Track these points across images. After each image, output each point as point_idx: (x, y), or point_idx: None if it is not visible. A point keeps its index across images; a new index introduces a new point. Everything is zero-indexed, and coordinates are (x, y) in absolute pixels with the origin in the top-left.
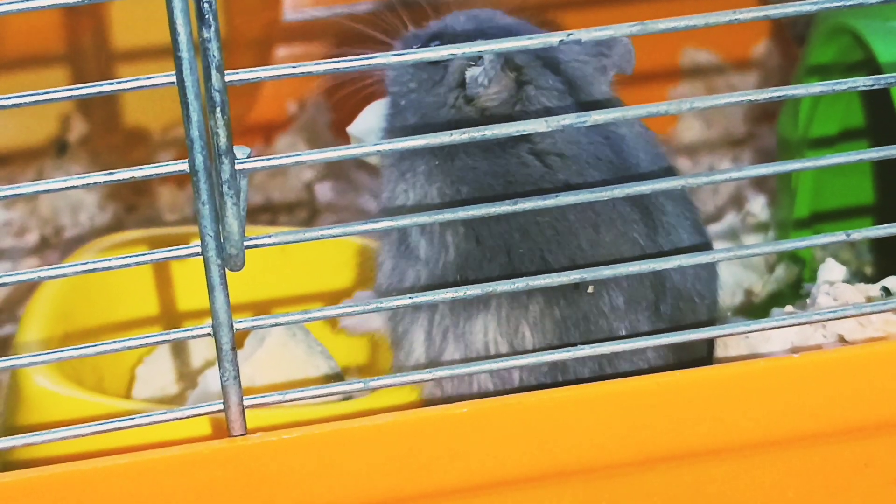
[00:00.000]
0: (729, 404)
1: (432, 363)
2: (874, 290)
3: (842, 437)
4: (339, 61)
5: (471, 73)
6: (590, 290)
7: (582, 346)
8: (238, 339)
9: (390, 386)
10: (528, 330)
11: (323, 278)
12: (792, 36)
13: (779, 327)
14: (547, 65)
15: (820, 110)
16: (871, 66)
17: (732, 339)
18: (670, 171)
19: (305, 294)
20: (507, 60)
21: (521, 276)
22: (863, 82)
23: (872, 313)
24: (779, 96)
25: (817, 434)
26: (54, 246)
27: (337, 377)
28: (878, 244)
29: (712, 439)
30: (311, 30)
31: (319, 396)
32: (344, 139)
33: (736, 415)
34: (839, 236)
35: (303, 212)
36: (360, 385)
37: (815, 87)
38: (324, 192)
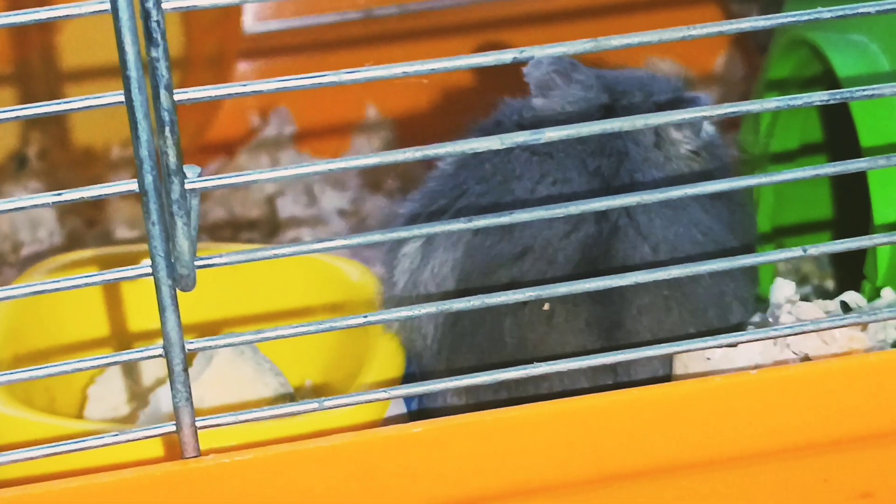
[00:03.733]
0: (687, 421)
1: None
2: (834, 304)
3: (801, 453)
4: (289, 79)
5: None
6: (545, 307)
7: (539, 364)
8: (188, 359)
9: (345, 406)
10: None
11: (283, 295)
12: (755, 47)
13: (730, 345)
14: None
15: (779, 125)
16: (829, 79)
17: (693, 359)
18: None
19: (264, 312)
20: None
21: None
22: (818, 97)
23: (830, 328)
24: (732, 112)
25: (776, 450)
26: (12, 263)
27: (288, 395)
28: (839, 258)
29: (670, 456)
30: (276, 43)
31: (273, 417)
32: (306, 152)
33: (694, 432)
34: (796, 251)
35: (265, 227)
36: (315, 405)
37: (771, 103)
38: (286, 206)
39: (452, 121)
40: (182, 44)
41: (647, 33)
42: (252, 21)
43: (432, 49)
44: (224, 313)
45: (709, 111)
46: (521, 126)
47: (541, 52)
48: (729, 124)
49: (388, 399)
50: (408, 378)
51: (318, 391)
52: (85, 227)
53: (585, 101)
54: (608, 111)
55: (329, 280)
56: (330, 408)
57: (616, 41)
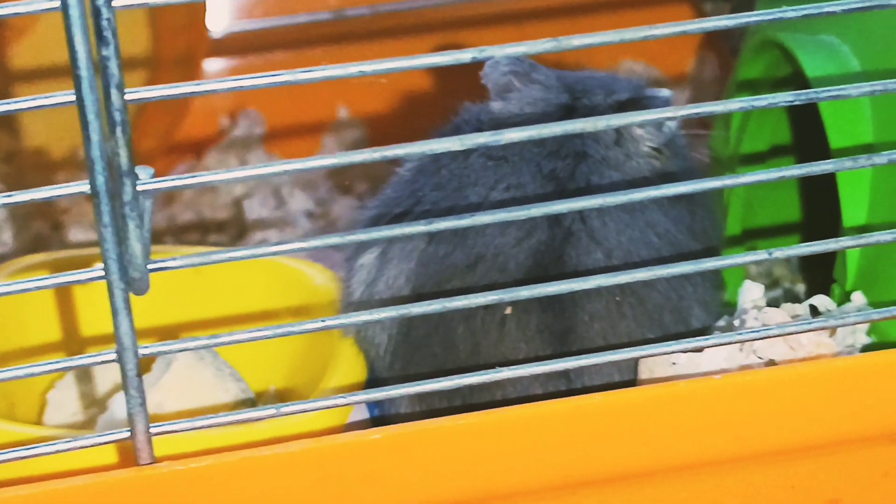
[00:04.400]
0: (651, 427)
1: None
2: (803, 308)
3: (768, 458)
4: (243, 79)
5: None
6: (508, 311)
7: (500, 369)
8: (146, 364)
9: (301, 412)
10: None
11: (245, 298)
12: (729, 48)
13: (694, 349)
14: None
15: (750, 126)
16: (800, 80)
17: (658, 364)
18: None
19: (225, 315)
20: None
21: None
22: (783, 98)
23: (795, 333)
24: (695, 113)
25: (742, 456)
26: None
27: (249, 401)
28: (811, 261)
29: (633, 463)
30: (250, 43)
31: (228, 423)
32: (275, 154)
33: (658, 437)
34: (761, 254)
35: (233, 229)
36: (273, 411)
37: (734, 104)
38: (253, 208)
39: (426, 122)
40: (150, 44)
41: (608, 33)
42: (228, 21)
43: (405, 49)
44: (186, 317)
45: (671, 112)
46: (480, 130)
47: (500, 51)
48: (701, 126)
49: (345, 405)
50: (371, 383)
51: (282, 396)
52: (51, 231)
53: (545, 101)
54: (568, 111)
55: (291, 283)
56: (286, 414)
57: (577, 41)
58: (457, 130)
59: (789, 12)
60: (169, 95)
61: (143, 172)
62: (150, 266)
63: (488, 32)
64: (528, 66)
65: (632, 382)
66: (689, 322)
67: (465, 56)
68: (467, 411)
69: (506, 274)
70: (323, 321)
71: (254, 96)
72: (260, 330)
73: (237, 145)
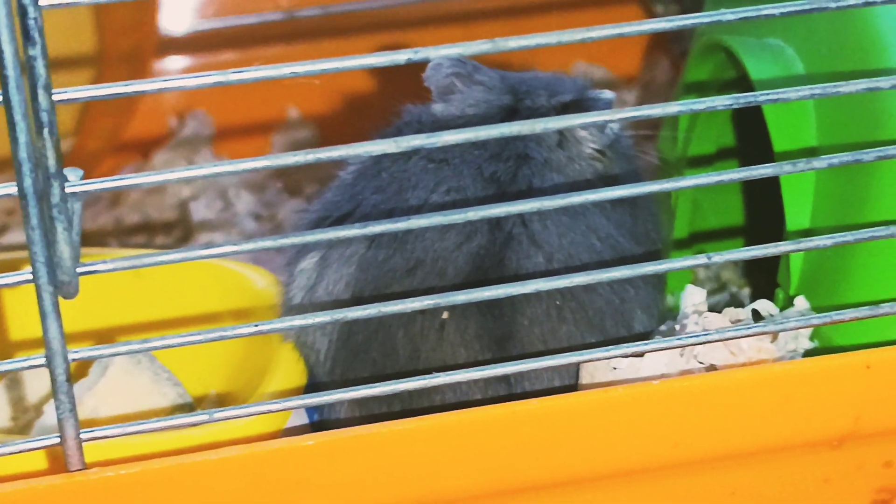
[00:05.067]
0: (589, 432)
1: None
2: (745, 313)
3: (708, 465)
4: (175, 79)
5: None
6: (445, 315)
7: (437, 375)
8: (83, 369)
9: (235, 417)
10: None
11: (184, 302)
12: (679, 51)
13: (633, 354)
14: None
15: (697, 130)
16: (747, 82)
17: (599, 368)
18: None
19: (164, 319)
20: None
21: None
22: (721, 101)
23: (735, 338)
24: (635, 116)
25: (682, 462)
26: None
27: (187, 406)
28: (757, 265)
29: (573, 468)
30: (210, 40)
31: (160, 429)
32: (223, 155)
33: (597, 443)
34: (700, 259)
35: (179, 231)
36: (205, 417)
37: (673, 107)
38: (199, 210)
39: (377, 123)
40: (95, 43)
41: (546, 35)
42: (191, 19)
43: (356, 49)
44: (125, 320)
45: (610, 115)
46: (421, 132)
47: (436, 52)
48: (650, 127)
49: (279, 410)
50: (311, 388)
51: (222, 400)
52: None
53: (487, 103)
54: (511, 113)
55: (233, 287)
56: (220, 420)
57: (513, 42)
58: (398, 132)
59: (728, 14)
60: (98, 96)
61: (72, 174)
62: (79, 269)
63: (438, 32)
64: (470, 68)
65: (573, 387)
66: (632, 326)
67: (400, 57)
68: (407, 416)
69: (445, 278)
70: (257, 325)
71: (204, 96)
72: (194, 334)
73: (184, 146)
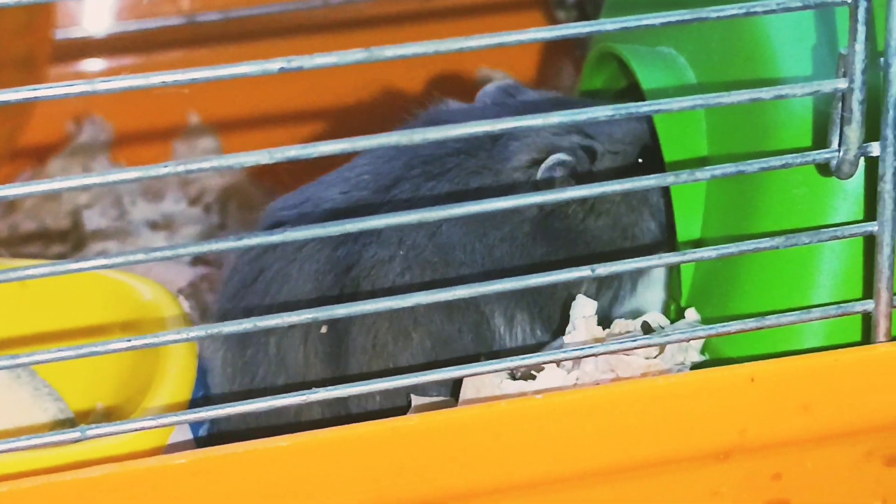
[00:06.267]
0: (470, 448)
1: None
2: (635, 325)
3: (592, 479)
4: (49, 88)
5: None
6: (323, 329)
7: (317, 390)
8: None
9: (109, 434)
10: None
11: (69, 314)
12: (581, 56)
13: (518, 367)
14: None
15: None
16: (641, 91)
17: (486, 382)
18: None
19: (48, 331)
20: None
21: None
22: (602, 111)
23: (623, 350)
24: (515, 126)
25: (566, 477)
26: None
27: (68, 421)
28: None
29: (453, 485)
30: (129, 43)
31: (27, 447)
32: (121, 162)
33: (478, 459)
34: (584, 271)
35: (72, 240)
36: (78, 434)
37: (554, 118)
38: (92, 218)
39: (279, 128)
40: None
41: (423, 44)
42: (109, 21)
43: (258, 54)
44: (5, 333)
45: (488, 125)
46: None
47: (309, 61)
48: None
49: (155, 427)
50: (197, 402)
51: (109, 414)
52: None
53: None
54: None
55: (119, 298)
56: (93, 437)
57: (389, 51)
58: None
59: (608, 24)
60: None
61: None
62: None
63: (340, 38)
64: (513, 89)
65: (404, 409)
66: (495, 340)
67: (272, 66)
68: (286, 431)
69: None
70: (129, 340)
71: (102, 101)
72: (61, 350)
73: (81, 153)
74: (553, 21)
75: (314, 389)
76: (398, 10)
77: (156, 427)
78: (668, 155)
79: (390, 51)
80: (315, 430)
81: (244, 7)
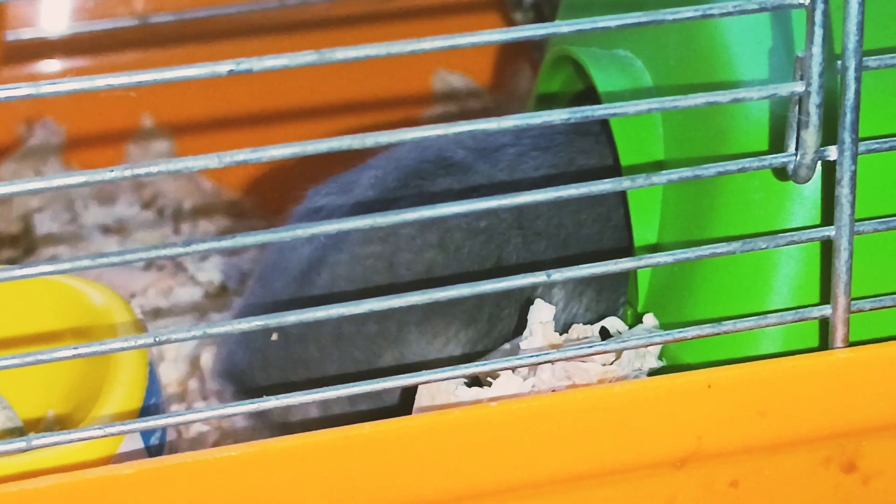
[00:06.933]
0: (424, 457)
1: None
2: (593, 330)
3: (548, 488)
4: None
5: None
6: (273, 337)
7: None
8: None
9: (55, 444)
10: None
11: (18, 320)
12: (539, 59)
13: (473, 375)
14: None
15: None
16: (597, 95)
17: (442, 389)
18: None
19: (1, 337)
20: None
21: None
22: (557, 115)
23: (579, 357)
24: (472, 129)
25: (522, 485)
26: None
27: (17, 430)
28: None
29: (405, 494)
30: (87, 44)
31: None
32: (73, 165)
33: (431, 467)
34: (540, 276)
35: (23, 244)
36: (24, 444)
37: (508, 121)
38: (43, 222)
39: (233, 131)
40: None
41: (374, 46)
42: (66, 21)
43: (212, 57)
44: None
45: (443, 128)
46: None
47: (258, 63)
48: None
49: (102, 437)
50: (147, 410)
51: (61, 422)
52: None
53: None
54: None
55: (70, 304)
56: (39, 447)
57: (340, 54)
58: None
59: (563, 27)
60: None
61: None
62: None
63: (295, 39)
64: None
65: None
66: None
67: (221, 69)
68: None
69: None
70: (75, 349)
71: (54, 104)
72: (9, 358)
73: (32, 156)
74: (511, 23)
75: (257, 399)
76: (354, 11)
77: (103, 436)
78: (625, 159)
79: (341, 53)
80: (260, 441)
81: (200, 8)
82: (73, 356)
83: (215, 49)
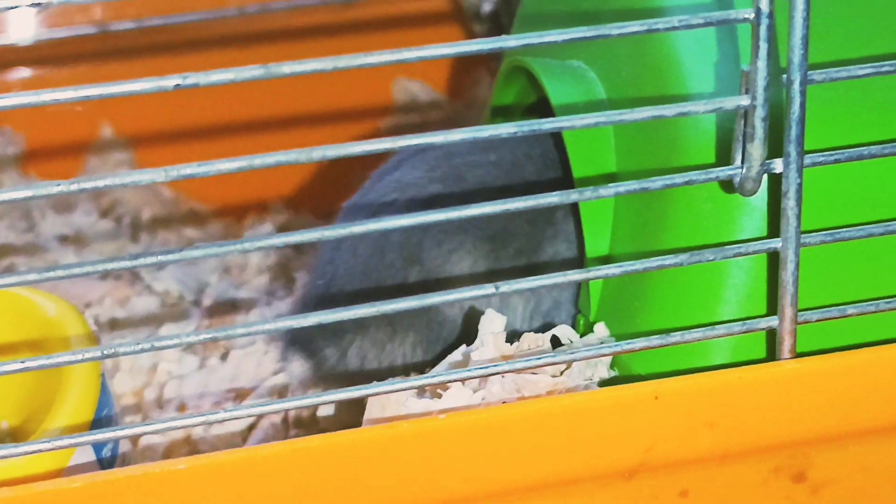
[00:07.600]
0: (372, 469)
1: None
2: (545, 340)
3: (498, 499)
4: None
5: None
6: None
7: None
8: None
9: (7, 457)
10: None
11: None
12: (497, 68)
13: (421, 387)
14: None
15: None
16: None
17: (392, 401)
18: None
19: None
20: None
21: None
22: (505, 128)
23: (526, 369)
24: (415, 145)
25: (472, 498)
26: None
27: None
28: None
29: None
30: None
31: None
32: (32, 175)
33: (380, 480)
34: (488, 288)
35: None
36: None
37: (456, 134)
38: (0, 232)
39: (200, 141)
40: None
41: (322, 60)
42: (34, 29)
43: (174, 66)
44: None
45: (389, 143)
46: None
47: (205, 78)
48: None
49: (50, 450)
50: (99, 422)
51: (14, 433)
52: None
53: None
54: None
55: (23, 316)
56: None
57: (287, 68)
58: None
59: (510, 41)
60: None
61: None
62: None
63: (256, 50)
64: None
65: None
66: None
67: (168, 83)
68: None
69: None
70: (23, 362)
71: (12, 113)
72: None
73: None
74: (470, 33)
75: (212, 411)
76: (314, 21)
77: (52, 449)
78: (577, 171)
79: (288, 67)
80: (206, 455)
81: (160, 16)
82: (21, 369)
83: (178, 60)
